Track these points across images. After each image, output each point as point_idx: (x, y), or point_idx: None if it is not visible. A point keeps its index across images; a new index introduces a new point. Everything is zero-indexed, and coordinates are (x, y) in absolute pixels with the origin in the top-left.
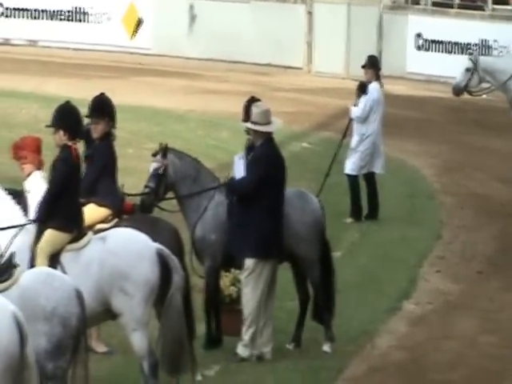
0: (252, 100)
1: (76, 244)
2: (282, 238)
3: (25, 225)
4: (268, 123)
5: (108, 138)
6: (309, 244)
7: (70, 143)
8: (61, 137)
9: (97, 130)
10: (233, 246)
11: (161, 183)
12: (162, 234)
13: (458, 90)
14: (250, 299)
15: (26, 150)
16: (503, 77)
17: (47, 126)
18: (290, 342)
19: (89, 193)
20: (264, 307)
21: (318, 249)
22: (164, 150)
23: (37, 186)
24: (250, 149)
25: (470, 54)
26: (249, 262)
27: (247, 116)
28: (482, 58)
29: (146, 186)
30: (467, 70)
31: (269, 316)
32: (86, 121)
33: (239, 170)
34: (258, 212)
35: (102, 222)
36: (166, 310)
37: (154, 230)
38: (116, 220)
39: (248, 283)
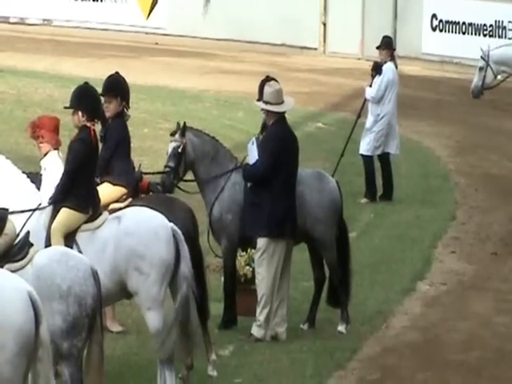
0: (267, 79)
1: (92, 224)
2: (295, 218)
3: (42, 208)
4: (280, 103)
5: (121, 117)
6: (325, 225)
7: (88, 124)
8: (79, 118)
9: (109, 109)
10: (246, 225)
11: (180, 162)
12: (177, 213)
13: (477, 93)
14: (263, 279)
15: (44, 129)
16: None
17: (66, 108)
18: (305, 322)
19: (103, 172)
20: (278, 287)
21: (335, 230)
22: (182, 129)
23: (53, 165)
24: (263, 128)
25: (483, 42)
26: (261, 242)
27: (261, 95)
28: (491, 52)
29: (165, 166)
30: (480, 69)
31: (283, 296)
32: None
33: (253, 156)
34: (271, 191)
35: (117, 201)
36: (174, 298)
37: (168, 209)
38: (130, 199)
39: (261, 263)
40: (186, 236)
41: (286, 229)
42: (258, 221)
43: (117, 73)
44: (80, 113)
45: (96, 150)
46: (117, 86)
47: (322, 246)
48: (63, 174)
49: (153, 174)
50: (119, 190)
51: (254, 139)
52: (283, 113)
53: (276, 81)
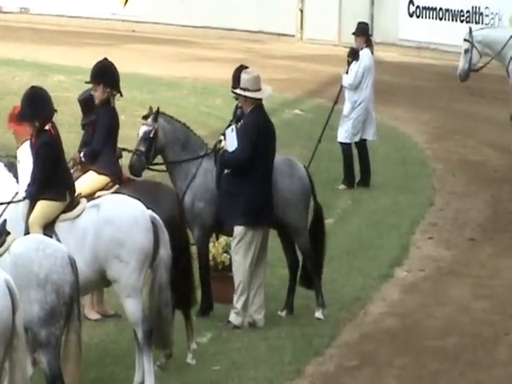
0: (241, 68)
1: (70, 213)
2: (272, 205)
3: (18, 201)
4: (258, 90)
5: (108, 103)
6: (297, 210)
7: (47, 127)
8: (36, 126)
9: (96, 97)
10: (222, 213)
11: (151, 147)
12: (163, 199)
13: (464, 75)
14: (239, 267)
15: None
16: (498, 47)
17: (21, 121)
18: (282, 309)
19: (93, 159)
20: (255, 274)
21: (306, 215)
22: (155, 114)
23: (28, 156)
24: (240, 117)
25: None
26: (239, 230)
27: (236, 83)
28: (475, 33)
29: (136, 150)
30: (465, 51)
31: (260, 283)
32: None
33: (232, 143)
34: (248, 179)
35: (102, 188)
36: (150, 283)
37: (154, 195)
38: (116, 186)
39: (238, 251)
40: (172, 222)
41: (264, 216)
42: (235, 209)
43: (105, 59)
44: (37, 122)
45: (60, 145)
46: (100, 73)
47: (294, 231)
48: (34, 177)
49: (130, 151)
50: (104, 179)
51: (233, 126)
52: (261, 100)
53: (247, 68)
